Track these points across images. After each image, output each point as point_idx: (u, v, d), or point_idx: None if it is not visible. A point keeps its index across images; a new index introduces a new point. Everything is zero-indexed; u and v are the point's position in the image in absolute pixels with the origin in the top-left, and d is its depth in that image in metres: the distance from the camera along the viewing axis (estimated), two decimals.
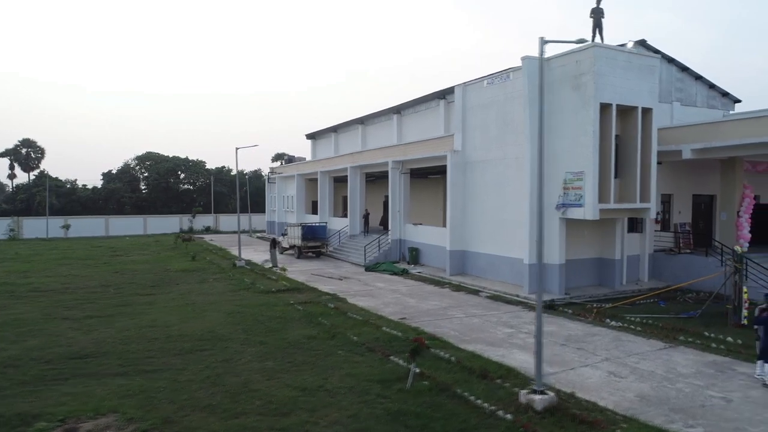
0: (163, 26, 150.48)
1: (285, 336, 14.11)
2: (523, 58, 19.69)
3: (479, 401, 9.49)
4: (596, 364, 11.79)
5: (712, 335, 13.95)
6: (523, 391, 9.51)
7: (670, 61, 27.47)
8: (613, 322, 15.47)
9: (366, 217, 33.47)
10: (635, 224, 21.97)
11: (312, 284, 22.55)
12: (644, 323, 15.31)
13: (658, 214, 22.60)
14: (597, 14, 19.35)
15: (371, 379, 10.74)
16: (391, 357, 12.11)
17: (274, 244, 28.94)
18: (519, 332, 14.63)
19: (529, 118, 19.51)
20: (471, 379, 10.69)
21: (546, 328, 14.96)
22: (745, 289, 15.15)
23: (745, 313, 14.98)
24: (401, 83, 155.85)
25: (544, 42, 9.43)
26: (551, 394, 9.36)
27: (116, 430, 8.58)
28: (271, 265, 26.83)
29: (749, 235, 21.60)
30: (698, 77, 28.64)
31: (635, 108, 18.89)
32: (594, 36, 19.37)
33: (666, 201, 23.41)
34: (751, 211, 21.80)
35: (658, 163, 21.92)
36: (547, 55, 19.88)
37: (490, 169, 22.50)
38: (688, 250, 22.04)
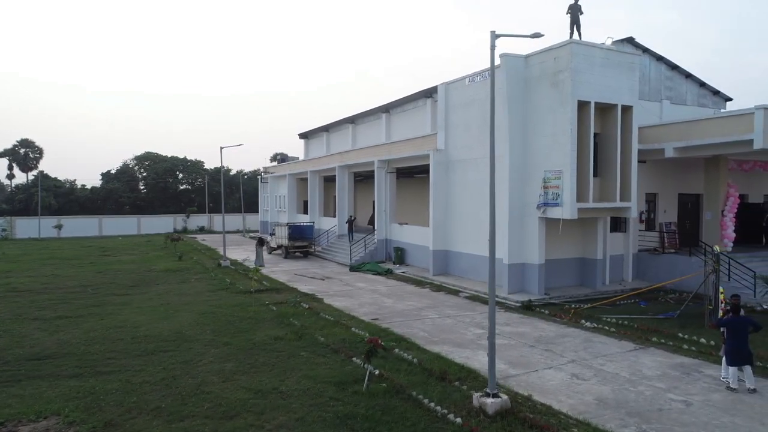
0: (164, 26, 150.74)
1: (252, 337, 13.91)
2: (502, 56, 19.44)
3: (432, 404, 9.26)
4: (561, 366, 11.55)
5: (686, 336, 13.71)
6: (477, 394, 9.28)
7: (659, 59, 27.22)
8: (588, 323, 15.22)
9: (351, 222, 32.20)
10: (618, 224, 21.71)
11: (293, 284, 22.38)
12: (619, 324, 15.08)
13: (642, 213, 22.36)
14: (574, 11, 19.09)
15: (328, 381, 10.54)
16: (354, 358, 11.90)
17: (261, 243, 28.78)
18: None
19: (508, 116, 19.27)
20: (429, 381, 10.47)
21: (518, 329, 14.86)
22: (722, 289, 14.84)
23: (721, 313, 14.70)
24: (403, 83, 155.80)
25: (495, 36, 9.15)
26: (504, 397, 9.14)
27: None
28: (255, 265, 26.64)
29: (734, 235, 21.31)
30: (688, 75, 28.40)
31: (615, 106, 18.64)
32: (572, 33, 19.10)
33: (651, 200, 23.13)
34: (735, 210, 21.50)
35: (642, 161, 21.69)
36: (527, 52, 19.84)
37: (471, 168, 22.27)
38: (673, 250, 21.75)
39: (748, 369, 10.08)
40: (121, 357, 12.33)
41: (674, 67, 27.75)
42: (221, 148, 29.54)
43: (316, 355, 12.34)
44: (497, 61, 19.96)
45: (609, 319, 15.55)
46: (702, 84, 29.01)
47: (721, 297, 14.82)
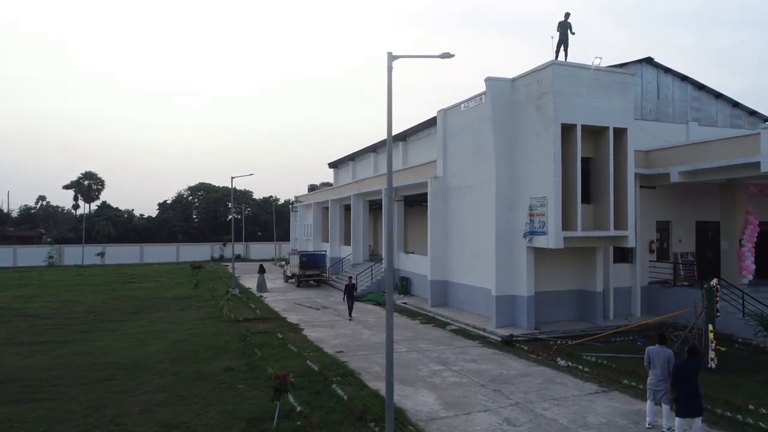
0: (218, 60, 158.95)
1: (205, 367, 13.78)
2: (487, 80, 18.86)
3: None
4: (499, 409, 10.60)
5: None
6: None
7: (684, 79, 25.78)
8: (563, 362, 14.04)
9: (350, 288, 22.03)
10: (625, 254, 20.23)
11: (285, 313, 22.23)
12: (597, 363, 13.83)
13: (652, 242, 20.77)
14: (563, 28, 18.21)
15: (244, 417, 10.18)
16: (288, 393, 11.45)
17: (262, 269, 28.95)
18: (448, 369, 13.56)
19: (494, 141, 18.59)
20: (345, 422, 9.88)
21: (482, 366, 13.97)
22: (711, 327, 13.40)
23: (711, 355, 13.25)
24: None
25: (392, 57, 8.74)
26: None
27: None
28: (257, 293, 26.78)
29: (753, 266, 19.34)
30: (718, 95, 26.77)
31: (606, 128, 17.56)
32: (557, 53, 18.28)
33: (664, 228, 21.44)
34: (755, 240, 19.54)
35: (651, 187, 20.33)
36: (514, 75, 19.13)
37: (467, 195, 21.55)
38: (687, 283, 19.97)
39: (697, 422, 8.85)
40: (67, 384, 12.48)
41: (701, 87, 26.19)
42: (232, 177, 30.37)
43: (253, 389, 12.03)
44: (484, 87, 19.48)
45: (589, 358, 14.30)
46: (735, 104, 27.16)
47: (711, 336, 13.41)
